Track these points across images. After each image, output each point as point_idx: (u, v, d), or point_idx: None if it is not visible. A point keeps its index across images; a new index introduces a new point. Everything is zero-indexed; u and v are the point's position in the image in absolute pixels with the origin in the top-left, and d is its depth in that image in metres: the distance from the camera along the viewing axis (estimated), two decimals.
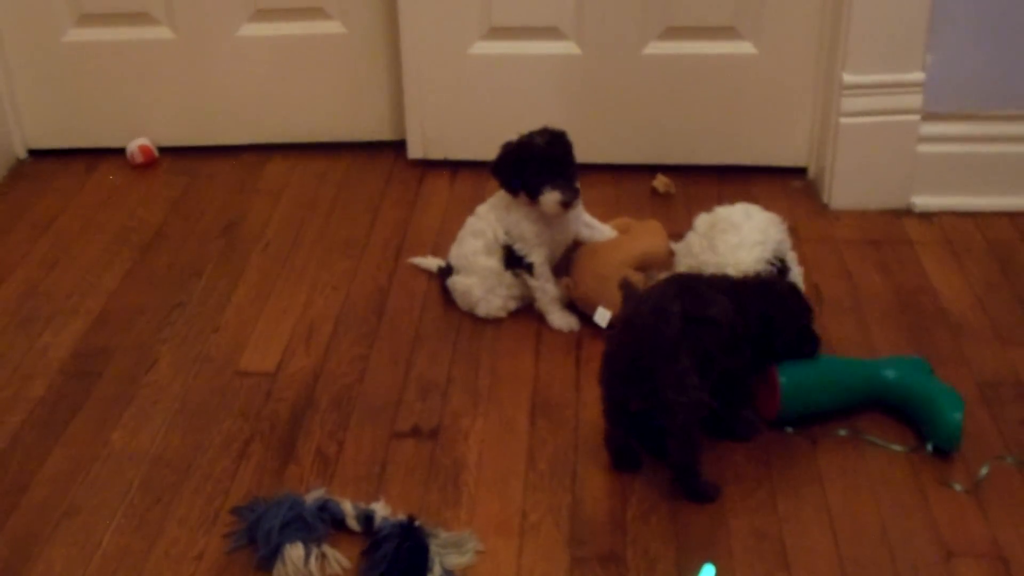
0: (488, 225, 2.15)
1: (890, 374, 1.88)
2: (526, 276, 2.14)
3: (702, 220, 2.10)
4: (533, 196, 2.07)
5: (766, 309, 1.81)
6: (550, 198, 2.05)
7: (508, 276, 2.16)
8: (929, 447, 1.82)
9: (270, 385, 2.02)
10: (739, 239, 2.00)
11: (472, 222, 2.20)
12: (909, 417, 1.86)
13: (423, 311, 2.21)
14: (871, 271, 2.28)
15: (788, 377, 1.84)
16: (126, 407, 1.98)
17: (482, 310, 2.17)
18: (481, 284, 2.16)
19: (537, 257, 2.12)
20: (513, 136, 2.12)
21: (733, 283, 1.85)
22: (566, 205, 2.06)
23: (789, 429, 1.87)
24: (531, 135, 2.09)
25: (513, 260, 2.14)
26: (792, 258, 2.06)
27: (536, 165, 2.05)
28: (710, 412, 1.73)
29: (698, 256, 2.05)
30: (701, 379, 1.68)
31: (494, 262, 2.15)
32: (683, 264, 2.10)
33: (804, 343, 1.86)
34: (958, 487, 1.75)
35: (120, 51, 2.72)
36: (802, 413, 1.87)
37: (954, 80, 2.38)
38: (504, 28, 2.56)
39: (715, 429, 1.82)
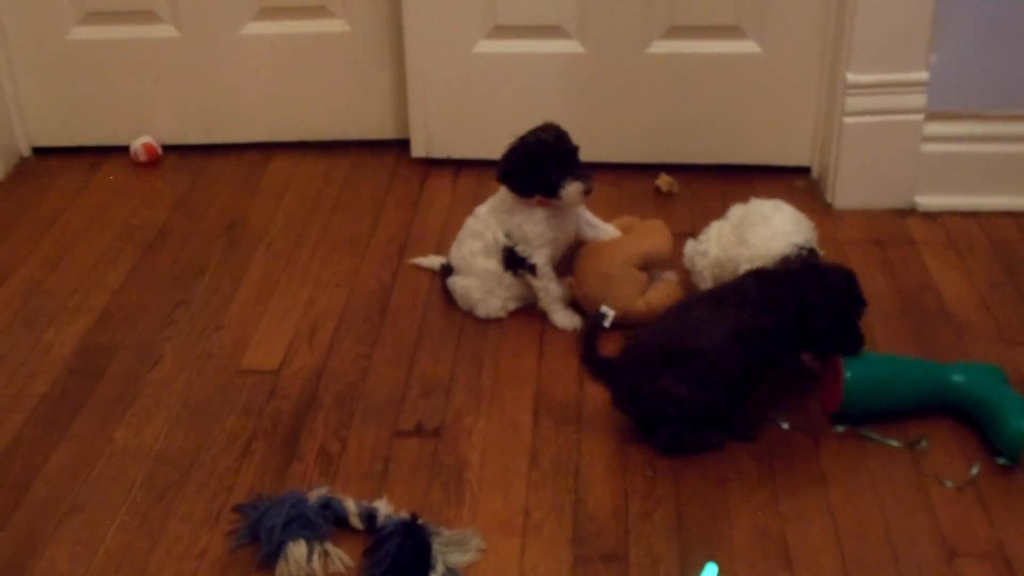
0: (487, 227, 2.15)
1: (958, 378, 1.85)
2: (529, 276, 2.14)
3: (735, 211, 2.10)
4: (552, 192, 2.06)
5: (804, 295, 1.82)
6: (573, 189, 2.05)
7: (507, 277, 2.15)
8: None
9: (273, 383, 2.02)
10: (771, 232, 2.01)
11: (471, 223, 2.20)
12: (977, 424, 1.84)
13: (426, 309, 2.21)
14: (874, 271, 2.28)
15: (853, 372, 1.82)
16: (129, 405, 1.98)
17: (481, 311, 2.17)
18: (480, 286, 2.16)
19: (540, 258, 2.12)
20: (509, 138, 2.11)
21: (761, 281, 1.86)
22: (588, 193, 2.07)
23: (785, 426, 1.87)
24: (535, 134, 2.09)
25: (515, 261, 2.14)
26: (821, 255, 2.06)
27: (552, 162, 2.05)
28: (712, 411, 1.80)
29: (728, 250, 2.05)
30: (694, 390, 1.78)
31: (493, 264, 2.15)
32: (709, 256, 2.09)
33: (843, 337, 1.85)
34: (949, 483, 1.75)
35: (124, 49, 2.72)
36: (864, 410, 1.85)
37: (958, 79, 2.38)
38: (508, 27, 2.56)
39: (716, 428, 1.83)
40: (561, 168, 2.05)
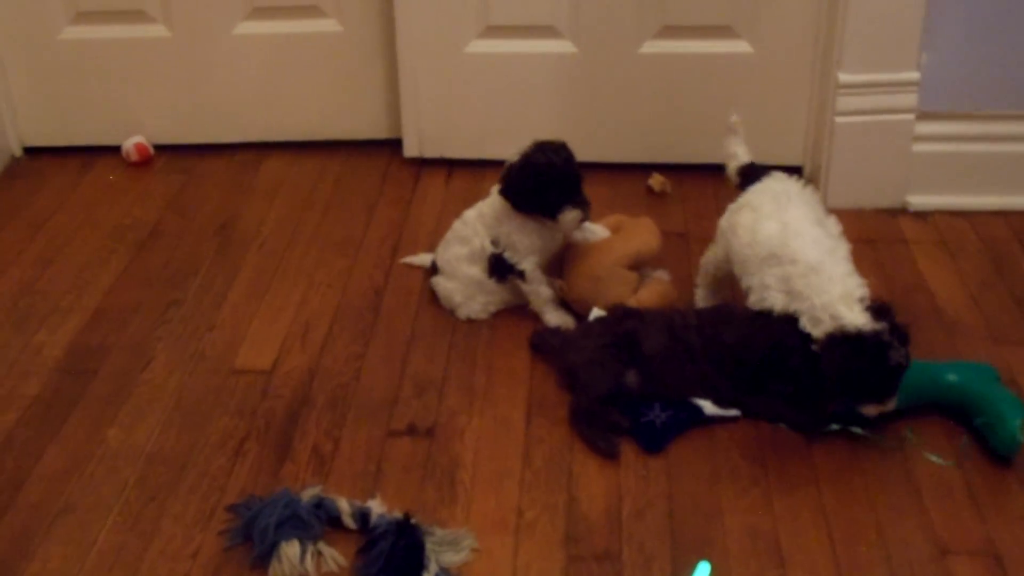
0: (475, 233, 2.15)
1: (952, 378, 1.86)
2: (518, 281, 2.14)
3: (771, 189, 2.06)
4: (551, 215, 2.07)
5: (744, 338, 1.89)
6: (572, 217, 2.06)
7: (490, 284, 2.15)
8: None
9: (266, 383, 2.02)
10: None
11: (459, 228, 2.19)
12: (970, 423, 1.84)
13: (419, 309, 2.21)
14: (866, 270, 2.25)
15: None
16: (122, 405, 1.98)
17: (462, 313, 2.17)
18: (462, 290, 2.16)
19: (528, 264, 2.12)
20: (518, 149, 2.10)
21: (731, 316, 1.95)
22: (583, 221, 2.09)
23: (782, 424, 1.88)
24: (543, 154, 2.06)
25: (503, 268, 2.13)
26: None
27: (558, 188, 2.05)
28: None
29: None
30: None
31: (476, 271, 2.15)
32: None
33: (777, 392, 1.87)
34: (935, 458, 1.78)
35: (116, 49, 2.72)
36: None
37: (949, 79, 2.39)
38: (500, 27, 2.56)
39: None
40: (564, 194, 2.05)
